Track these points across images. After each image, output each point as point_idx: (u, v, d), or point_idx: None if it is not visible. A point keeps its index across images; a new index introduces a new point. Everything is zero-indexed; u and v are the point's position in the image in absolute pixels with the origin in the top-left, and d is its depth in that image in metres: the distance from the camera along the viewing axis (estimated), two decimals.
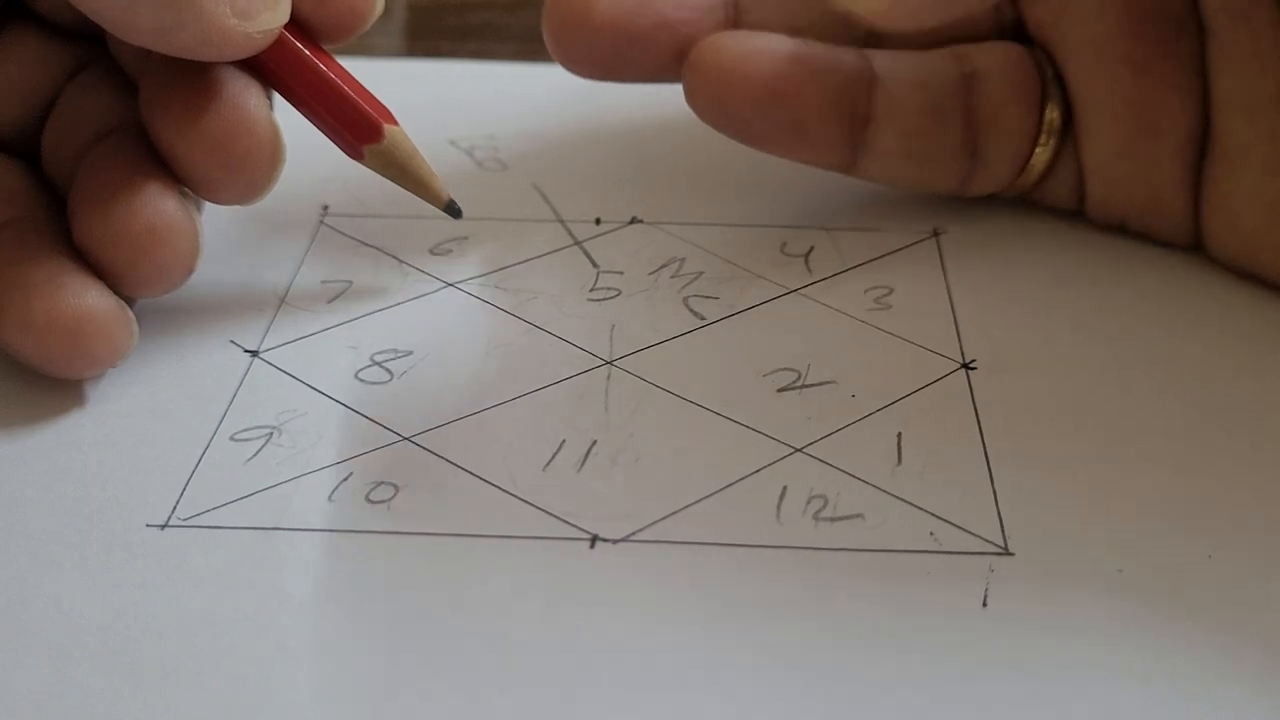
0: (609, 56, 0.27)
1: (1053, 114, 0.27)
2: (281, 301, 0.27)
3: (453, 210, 0.26)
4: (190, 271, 0.24)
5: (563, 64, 0.27)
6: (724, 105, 0.26)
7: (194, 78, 0.24)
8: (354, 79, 0.25)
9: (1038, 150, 0.28)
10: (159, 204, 0.24)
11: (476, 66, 0.36)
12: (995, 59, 0.27)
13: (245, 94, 0.24)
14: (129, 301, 0.24)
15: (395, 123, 0.25)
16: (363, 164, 0.25)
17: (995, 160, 0.28)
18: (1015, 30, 0.28)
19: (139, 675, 0.19)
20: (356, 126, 0.25)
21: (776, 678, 0.19)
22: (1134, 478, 0.23)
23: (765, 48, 0.26)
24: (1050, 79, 0.27)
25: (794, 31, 0.27)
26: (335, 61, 0.25)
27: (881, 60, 0.27)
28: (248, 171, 0.24)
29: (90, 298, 0.23)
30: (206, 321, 0.27)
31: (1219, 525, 0.22)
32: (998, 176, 0.28)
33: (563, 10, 0.27)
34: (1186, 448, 0.23)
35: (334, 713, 0.19)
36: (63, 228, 0.24)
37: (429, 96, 0.34)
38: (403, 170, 0.25)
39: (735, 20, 0.27)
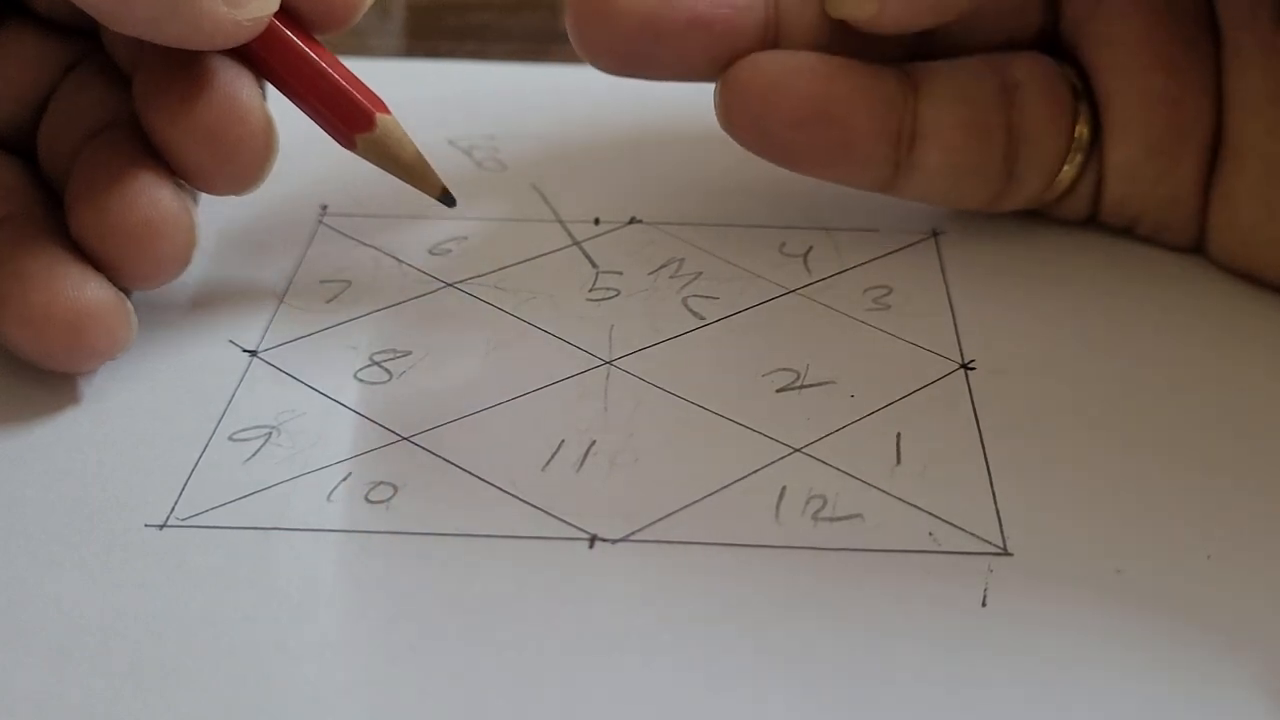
0: (634, 53, 0.25)
1: (1082, 129, 0.27)
2: (280, 301, 0.27)
3: (447, 200, 0.26)
4: (186, 263, 0.24)
5: (584, 57, 0.26)
6: (765, 126, 0.26)
7: (186, 68, 0.24)
8: (346, 68, 0.25)
9: (1065, 168, 0.27)
10: (154, 196, 0.24)
11: (476, 66, 0.36)
12: (1032, 72, 0.27)
13: (237, 83, 0.24)
14: (126, 295, 0.24)
15: (388, 112, 0.25)
16: (355, 153, 0.25)
17: (1028, 176, 0.27)
18: (1047, 35, 0.28)
19: (138, 675, 0.19)
20: (348, 115, 0.25)
21: (776, 678, 0.19)
22: (1133, 478, 0.23)
23: (808, 66, 0.25)
24: (1080, 94, 0.27)
25: (840, 34, 0.26)
26: (327, 51, 0.25)
27: (923, 75, 0.26)
28: (240, 160, 0.24)
29: (89, 290, 0.23)
30: (205, 321, 0.27)
31: (1218, 525, 0.22)
32: (1028, 192, 0.28)
33: (585, 0, 0.25)
34: (1185, 448, 0.23)
35: (334, 713, 0.19)
36: (60, 223, 0.24)
37: (428, 96, 0.34)
38: (395, 160, 0.25)
39: (775, 20, 0.26)
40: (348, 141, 0.25)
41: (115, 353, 0.24)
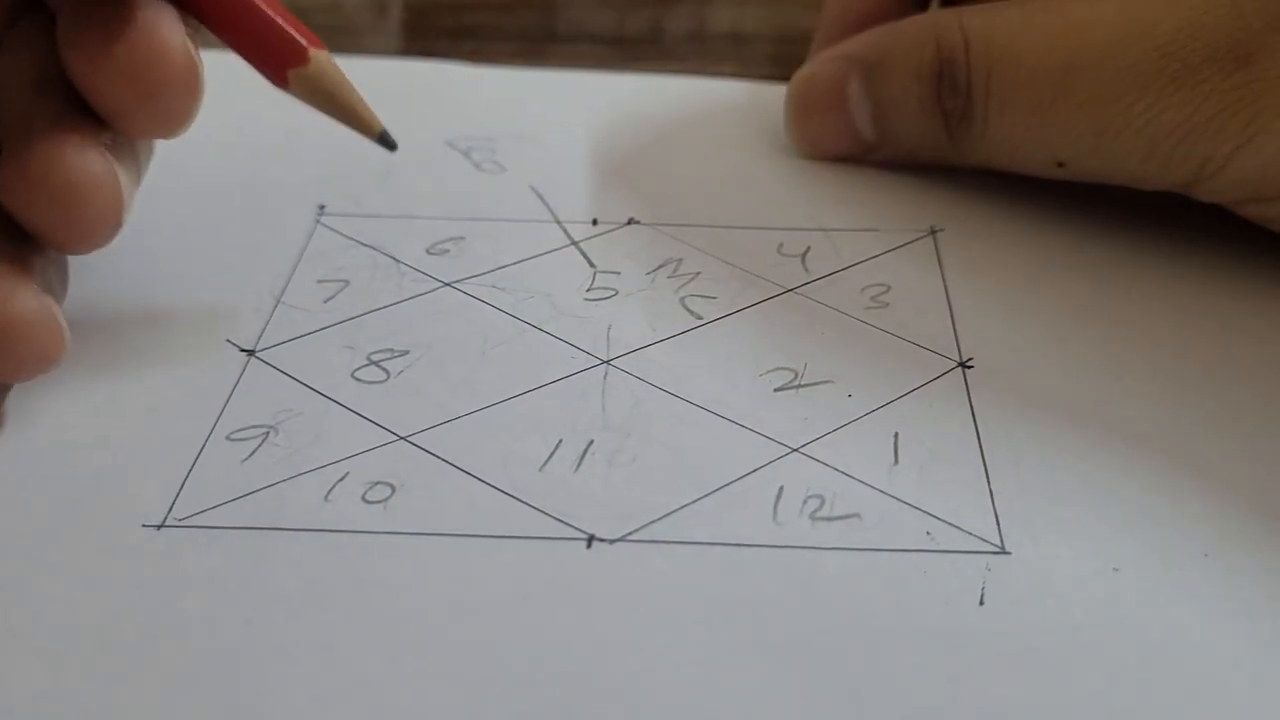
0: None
1: None
2: (278, 301, 0.27)
3: (387, 142, 0.25)
4: (116, 226, 0.24)
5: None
6: None
7: (108, 6, 0.23)
8: (278, 4, 0.24)
9: None
10: (78, 159, 0.23)
11: (474, 69, 0.36)
12: None
13: (158, 21, 0.23)
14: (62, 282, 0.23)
15: (322, 47, 0.24)
16: (288, 92, 0.24)
17: None
18: None
19: (135, 676, 0.19)
20: (280, 49, 0.24)
21: (773, 677, 0.19)
22: (1130, 476, 0.23)
23: None
24: None
25: None
26: None
27: None
28: (162, 100, 0.23)
29: (17, 301, 0.23)
30: (203, 320, 0.26)
31: (1215, 524, 0.22)
32: None
33: None
34: (1183, 446, 0.23)
35: (331, 713, 0.19)
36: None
37: (426, 98, 0.34)
38: (330, 98, 0.24)
39: None
40: (280, 79, 0.24)
41: (45, 367, 0.23)
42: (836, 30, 0.33)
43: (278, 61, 0.24)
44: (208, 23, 0.24)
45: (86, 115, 0.24)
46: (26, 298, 0.23)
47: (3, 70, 0.25)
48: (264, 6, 0.24)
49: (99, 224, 0.23)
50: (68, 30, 0.23)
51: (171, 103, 0.23)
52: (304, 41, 0.24)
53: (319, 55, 0.24)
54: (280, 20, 0.24)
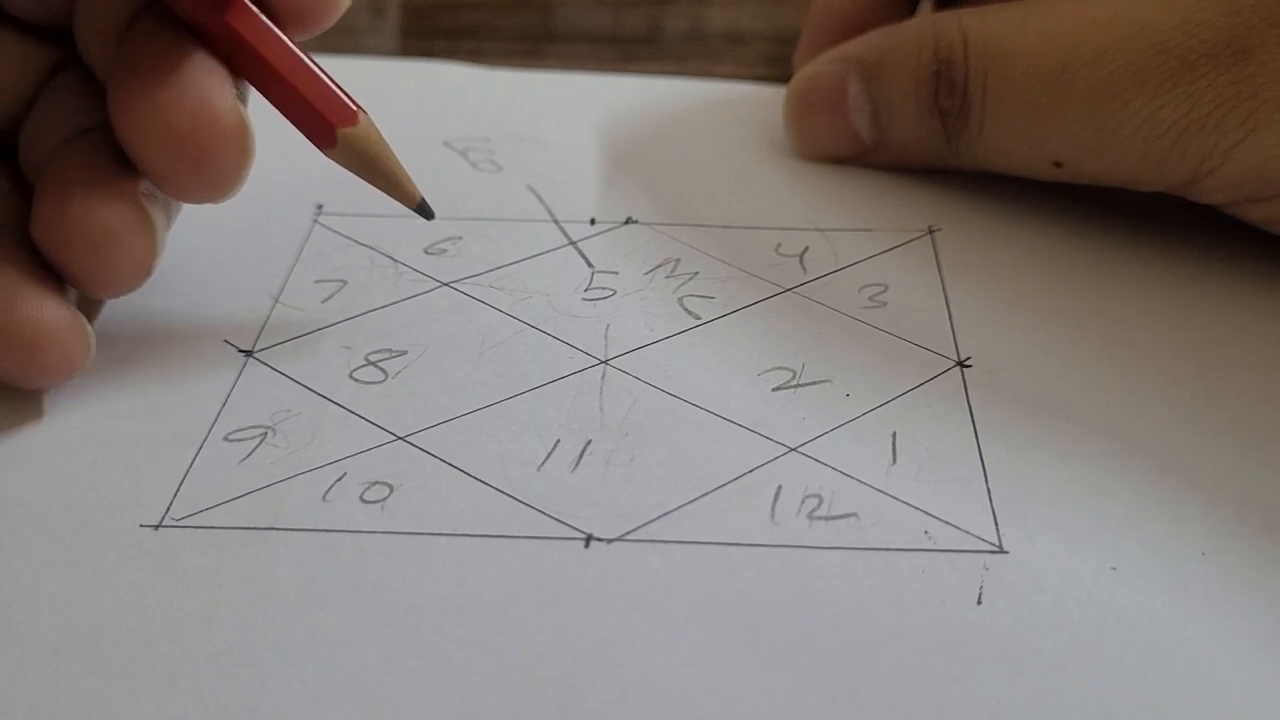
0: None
1: None
2: (276, 301, 0.27)
3: (424, 211, 0.25)
4: (147, 274, 0.24)
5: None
6: None
7: (159, 69, 0.23)
8: (325, 71, 0.24)
9: None
10: (116, 204, 0.23)
11: (471, 70, 0.36)
12: None
13: (210, 85, 0.23)
14: (96, 303, 0.24)
15: (366, 115, 0.24)
16: (332, 156, 0.24)
17: None
18: None
19: (133, 676, 0.19)
20: (333, 108, 0.24)
21: (771, 677, 0.19)
22: (1127, 476, 0.23)
23: None
24: None
25: None
26: (307, 54, 0.24)
27: None
28: (212, 165, 0.23)
29: (47, 310, 0.23)
30: (201, 321, 0.26)
31: (1212, 523, 0.22)
32: None
33: None
34: (1180, 446, 0.23)
35: (329, 713, 0.19)
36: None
37: (424, 98, 0.34)
38: (372, 164, 0.25)
39: None
40: (328, 139, 0.24)
41: (71, 373, 0.23)
42: (821, 33, 0.33)
43: (324, 126, 0.24)
44: (257, 85, 0.24)
45: (124, 163, 0.24)
46: (56, 307, 0.23)
47: (42, 118, 0.25)
48: (315, 71, 0.24)
49: (131, 271, 0.24)
50: (118, 93, 0.23)
51: (221, 168, 0.23)
52: (353, 107, 0.24)
53: (365, 121, 0.24)
54: (331, 86, 0.24)
